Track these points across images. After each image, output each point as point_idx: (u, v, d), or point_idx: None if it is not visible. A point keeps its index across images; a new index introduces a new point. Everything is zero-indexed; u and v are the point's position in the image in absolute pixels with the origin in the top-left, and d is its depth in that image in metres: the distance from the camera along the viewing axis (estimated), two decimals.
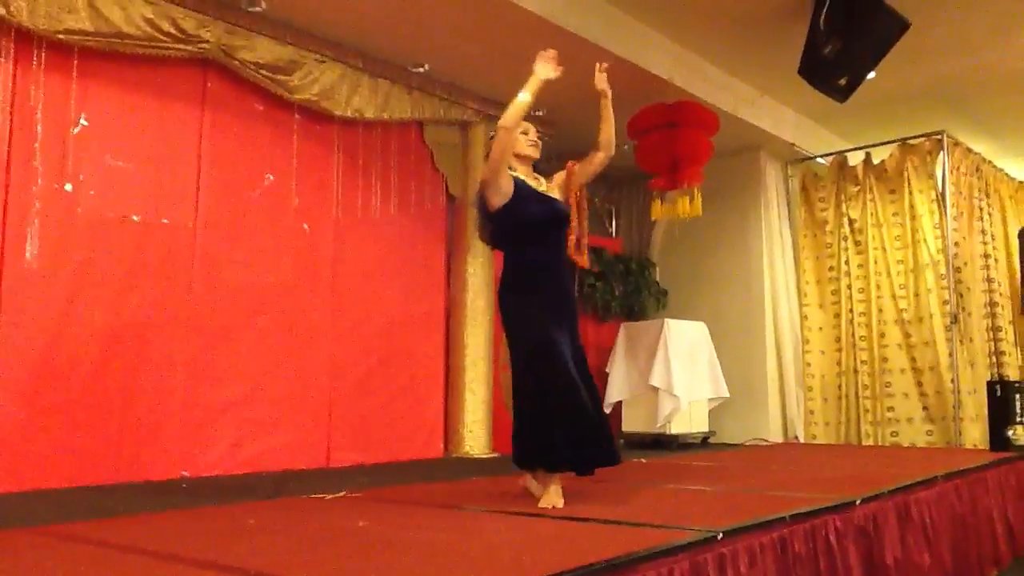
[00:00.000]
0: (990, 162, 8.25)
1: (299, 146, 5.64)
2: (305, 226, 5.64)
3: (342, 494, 3.74)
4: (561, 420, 3.22)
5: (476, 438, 6.34)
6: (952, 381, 7.05)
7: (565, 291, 3.51)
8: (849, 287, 7.78)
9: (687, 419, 7.21)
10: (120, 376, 4.64)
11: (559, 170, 3.72)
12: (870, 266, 7.67)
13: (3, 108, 4.32)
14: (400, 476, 4.83)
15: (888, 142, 7.74)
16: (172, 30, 4.80)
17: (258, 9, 5.11)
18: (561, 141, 5.99)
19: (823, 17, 5.66)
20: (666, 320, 7.29)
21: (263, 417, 5.27)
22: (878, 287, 7.62)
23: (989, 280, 7.65)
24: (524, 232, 3.44)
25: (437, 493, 3.88)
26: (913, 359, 7.34)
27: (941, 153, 7.40)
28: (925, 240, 7.41)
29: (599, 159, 3.69)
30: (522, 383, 3.39)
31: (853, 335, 7.67)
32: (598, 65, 3.57)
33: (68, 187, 4.53)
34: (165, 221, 4.91)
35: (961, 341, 7.14)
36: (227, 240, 5.19)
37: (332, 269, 5.77)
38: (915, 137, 7.58)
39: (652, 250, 8.62)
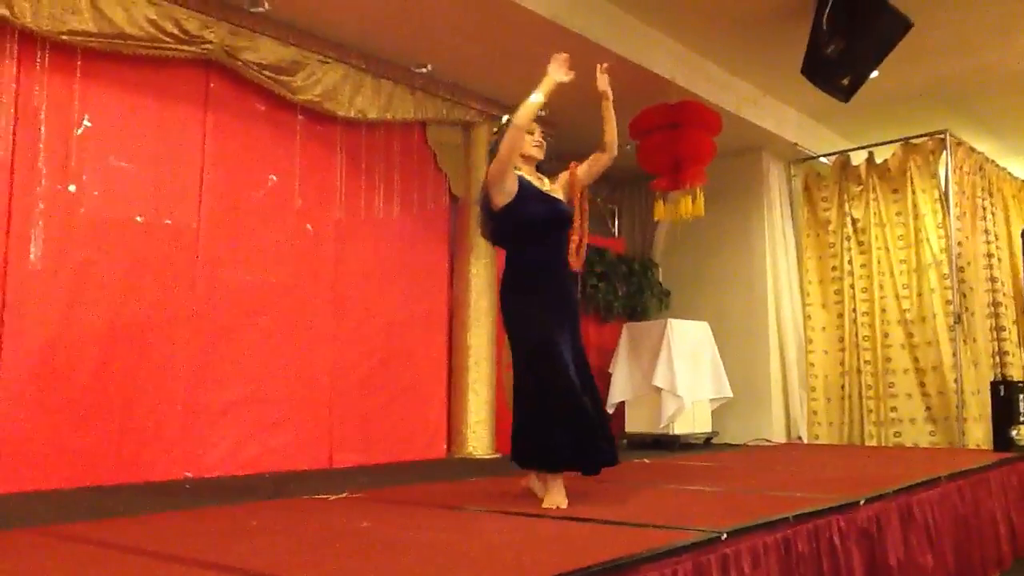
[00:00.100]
0: (993, 161, 8.23)
1: (302, 147, 5.64)
2: (308, 227, 5.64)
3: (344, 495, 3.74)
4: (561, 420, 3.22)
5: (479, 439, 6.34)
6: (955, 381, 7.04)
7: (567, 292, 3.51)
8: (852, 287, 7.77)
9: (690, 419, 7.20)
10: (122, 376, 4.64)
11: (561, 170, 3.72)
12: (873, 266, 7.67)
13: (7, 109, 4.33)
14: (402, 477, 4.83)
15: (891, 141, 7.73)
16: (175, 31, 4.81)
17: (261, 10, 5.11)
18: (562, 142, 5.98)
19: (826, 16, 5.65)
20: (669, 320, 7.28)
21: (265, 418, 5.27)
22: (881, 287, 7.61)
23: (992, 280, 7.63)
24: (526, 231, 3.44)
25: (439, 494, 3.88)
26: (916, 359, 7.33)
27: (944, 152, 7.39)
28: (928, 240, 7.40)
29: (602, 160, 3.70)
30: (522, 383, 3.40)
31: (856, 335, 7.67)
32: (599, 66, 3.57)
33: (72, 188, 4.53)
34: (168, 222, 4.92)
35: (964, 341, 7.13)
36: (230, 241, 5.19)
37: (335, 269, 5.77)
38: (918, 136, 7.57)
39: (655, 250, 8.61)
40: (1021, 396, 6.31)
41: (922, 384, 7.28)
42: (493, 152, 3.53)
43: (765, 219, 8.05)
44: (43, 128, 4.45)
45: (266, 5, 5.08)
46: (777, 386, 7.87)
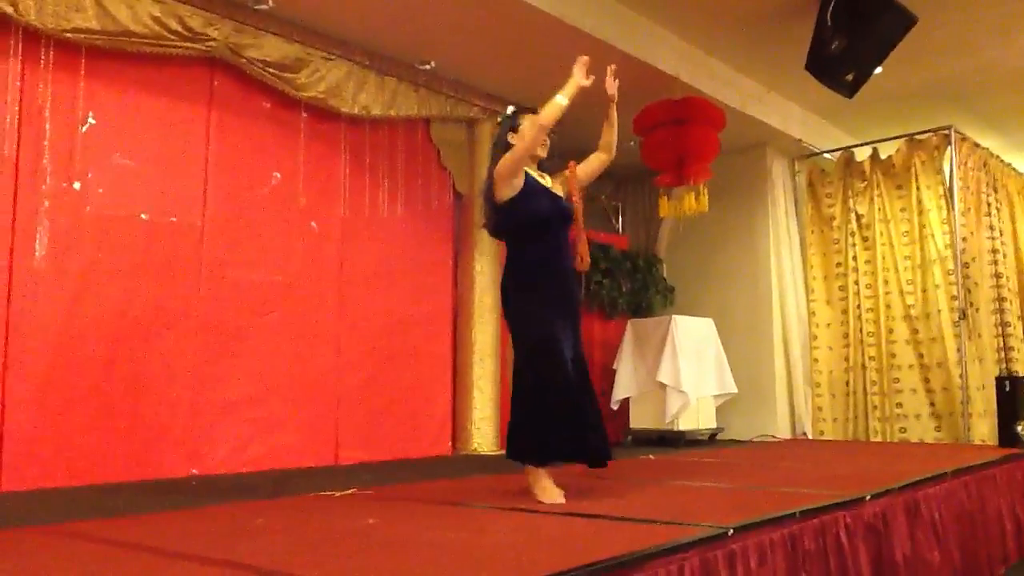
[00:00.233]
0: (998, 157, 8.21)
1: (306, 144, 5.64)
2: (312, 224, 5.64)
3: (350, 492, 3.74)
4: (559, 417, 3.23)
5: (484, 435, 6.35)
6: (960, 377, 7.03)
7: (568, 288, 3.51)
8: (856, 283, 7.76)
9: (695, 415, 7.20)
10: (128, 374, 4.65)
11: (559, 168, 3.72)
12: (878, 262, 7.66)
13: (11, 107, 4.33)
14: (408, 473, 4.83)
15: (895, 137, 7.71)
16: (179, 28, 4.81)
17: (265, 7, 5.11)
18: (563, 139, 5.98)
19: (829, 13, 5.65)
20: (673, 316, 7.27)
21: (271, 415, 5.27)
22: (886, 283, 7.60)
23: (997, 275, 7.62)
24: (531, 226, 3.44)
25: (445, 490, 3.88)
26: (921, 355, 7.33)
27: (948, 148, 7.38)
28: (933, 235, 7.38)
29: (601, 160, 3.71)
30: (521, 379, 3.40)
31: (861, 331, 7.66)
32: (608, 69, 3.57)
33: (76, 185, 4.54)
34: (173, 219, 4.92)
35: (969, 337, 7.12)
36: (234, 238, 5.19)
37: (339, 267, 5.77)
38: (922, 132, 7.55)
39: (659, 247, 8.61)
40: None
41: (927, 380, 7.27)
42: (496, 145, 3.53)
43: (769, 215, 8.04)
44: (47, 126, 4.46)
45: (270, 3, 5.09)
46: (782, 382, 7.87)
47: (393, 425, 5.95)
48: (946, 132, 7.39)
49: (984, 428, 6.92)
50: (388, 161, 6.16)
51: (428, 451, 6.12)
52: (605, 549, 2.19)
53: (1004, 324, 7.56)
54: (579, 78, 3.34)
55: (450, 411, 6.42)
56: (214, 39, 4.97)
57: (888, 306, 7.55)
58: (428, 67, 6.06)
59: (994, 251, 7.68)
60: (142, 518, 3.17)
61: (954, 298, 7.19)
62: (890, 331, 7.50)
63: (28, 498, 3.89)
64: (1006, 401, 6.37)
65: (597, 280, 7.85)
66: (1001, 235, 7.83)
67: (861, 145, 8.04)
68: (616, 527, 2.68)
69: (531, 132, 3.35)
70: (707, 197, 6.56)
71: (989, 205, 7.78)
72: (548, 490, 3.26)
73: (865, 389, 7.56)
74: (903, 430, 7.32)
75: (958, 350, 7.08)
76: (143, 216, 4.79)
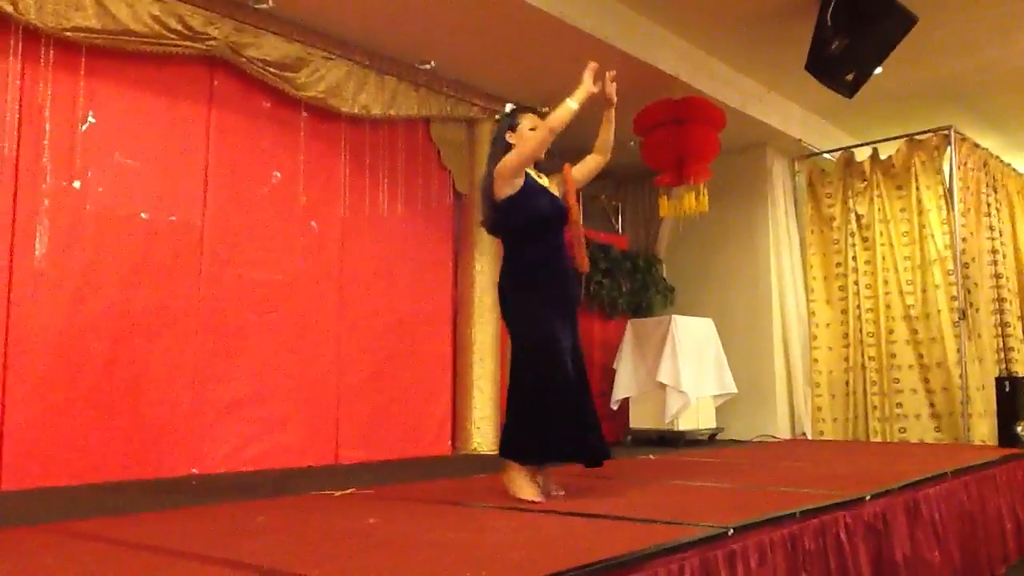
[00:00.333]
0: (998, 157, 8.21)
1: (306, 144, 5.64)
2: (312, 224, 5.64)
3: (350, 491, 3.74)
4: (558, 416, 3.23)
5: (484, 435, 6.35)
6: (960, 377, 7.03)
7: (566, 288, 3.51)
8: (856, 283, 7.75)
9: (694, 416, 7.20)
10: (129, 373, 4.65)
11: (554, 169, 3.72)
12: (877, 262, 7.65)
13: (11, 106, 4.33)
14: (408, 473, 4.83)
15: (895, 137, 7.71)
16: (179, 27, 4.81)
17: (265, 6, 5.11)
18: (561, 138, 5.99)
19: (830, 13, 5.65)
20: (673, 316, 7.28)
21: (271, 415, 5.27)
22: (885, 283, 7.60)
23: (997, 276, 7.62)
24: (531, 226, 3.44)
25: (445, 490, 3.88)
26: (921, 355, 7.32)
27: (948, 148, 7.37)
28: (932, 236, 7.38)
29: (597, 162, 3.70)
30: (520, 378, 3.40)
31: (861, 331, 7.66)
32: (608, 74, 3.57)
33: (76, 184, 4.54)
34: (173, 218, 4.92)
35: (969, 337, 7.12)
36: (235, 238, 5.19)
37: (340, 266, 5.77)
38: (922, 132, 7.55)
39: (659, 247, 8.61)
40: None
41: (927, 380, 7.27)
42: (495, 144, 3.54)
43: (769, 215, 8.05)
44: (47, 125, 4.46)
45: (270, 2, 5.09)
46: (781, 382, 7.87)
47: (393, 425, 5.95)
48: (946, 132, 7.38)
49: (984, 428, 6.92)
50: (388, 161, 6.16)
51: (428, 450, 6.13)
52: (605, 549, 2.19)
53: (1004, 324, 7.56)
54: (588, 84, 3.37)
55: (450, 411, 6.42)
56: (214, 38, 4.96)
57: (888, 306, 7.55)
58: (428, 67, 6.06)
59: (994, 251, 7.68)
60: (142, 517, 3.17)
61: (954, 298, 7.19)
62: (890, 331, 7.50)
63: (28, 497, 3.89)
64: (1006, 401, 6.38)
65: (597, 280, 7.85)
66: (1001, 235, 7.84)
67: (861, 145, 8.03)
68: (616, 527, 2.68)
69: (540, 134, 3.37)
70: (707, 197, 6.57)
71: (989, 205, 7.78)
72: (526, 488, 3.26)
73: (865, 389, 7.56)
74: (903, 430, 7.32)
75: (958, 350, 7.08)
76: (143, 215, 4.79)
